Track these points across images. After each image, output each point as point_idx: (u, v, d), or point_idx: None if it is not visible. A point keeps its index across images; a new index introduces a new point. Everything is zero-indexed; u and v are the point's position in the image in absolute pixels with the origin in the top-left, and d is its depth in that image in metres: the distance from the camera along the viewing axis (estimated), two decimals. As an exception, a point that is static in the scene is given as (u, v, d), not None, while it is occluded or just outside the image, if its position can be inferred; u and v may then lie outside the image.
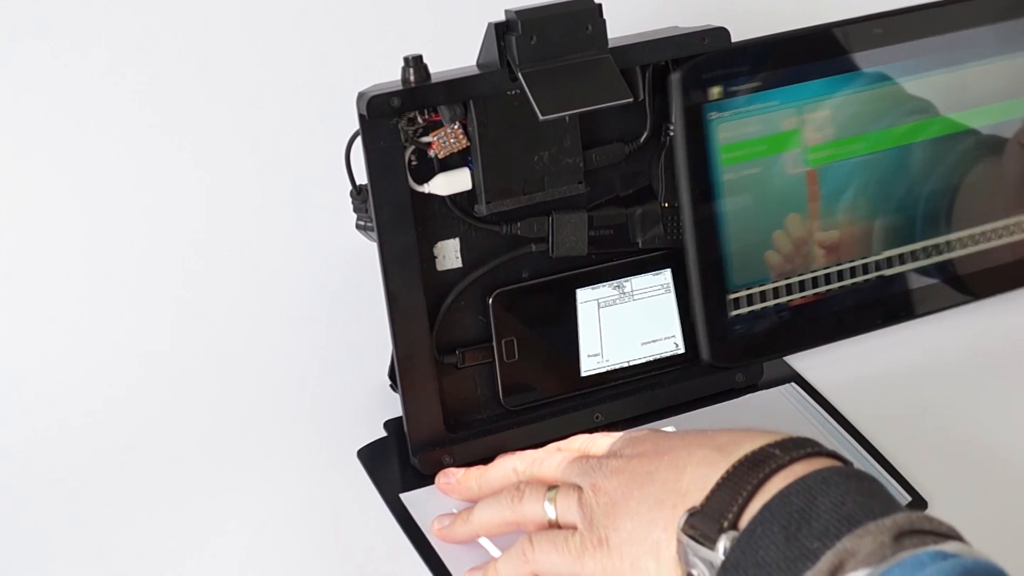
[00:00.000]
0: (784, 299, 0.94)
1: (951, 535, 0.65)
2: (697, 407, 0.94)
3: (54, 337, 0.99)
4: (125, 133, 1.06)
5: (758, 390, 0.96)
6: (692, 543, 0.69)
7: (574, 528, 0.76)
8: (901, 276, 0.97)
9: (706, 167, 0.91)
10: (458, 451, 0.89)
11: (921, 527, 0.65)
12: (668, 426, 0.91)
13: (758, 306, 0.93)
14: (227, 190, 1.06)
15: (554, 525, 0.78)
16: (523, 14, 0.84)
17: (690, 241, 0.91)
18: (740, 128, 0.91)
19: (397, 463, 0.90)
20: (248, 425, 0.94)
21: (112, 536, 0.86)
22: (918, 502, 0.86)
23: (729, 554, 0.67)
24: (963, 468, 0.89)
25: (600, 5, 0.86)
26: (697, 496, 0.71)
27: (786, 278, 0.94)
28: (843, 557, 0.64)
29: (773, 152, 0.92)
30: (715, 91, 0.90)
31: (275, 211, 1.05)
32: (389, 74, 0.85)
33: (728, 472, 0.71)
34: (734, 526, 0.68)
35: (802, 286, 0.95)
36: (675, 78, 0.89)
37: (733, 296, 0.93)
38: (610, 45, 0.86)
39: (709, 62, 0.89)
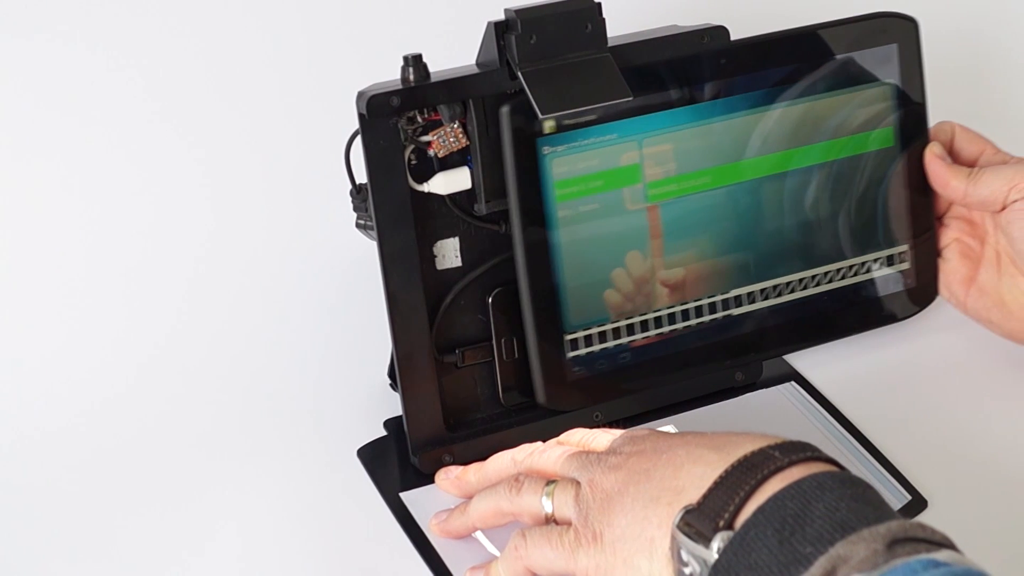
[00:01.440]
0: (625, 340, 0.90)
1: (944, 543, 0.65)
2: (696, 406, 0.94)
3: (54, 336, 1.00)
4: (126, 132, 1.06)
5: (757, 389, 0.96)
6: (686, 540, 0.69)
7: (569, 523, 0.76)
8: (750, 315, 0.93)
9: (539, 204, 0.86)
10: (458, 450, 0.89)
11: (915, 535, 0.64)
12: (668, 425, 0.91)
13: (597, 347, 0.89)
14: (227, 189, 1.06)
15: (550, 519, 0.78)
16: (523, 13, 0.84)
17: (523, 280, 0.87)
18: (576, 163, 0.87)
19: (397, 462, 0.90)
20: (248, 424, 0.94)
21: (112, 535, 0.86)
22: (918, 502, 0.86)
23: (722, 555, 0.67)
24: (963, 468, 0.89)
25: (600, 4, 0.86)
26: (693, 494, 0.71)
27: (627, 318, 0.90)
28: (836, 563, 0.64)
29: (611, 188, 0.88)
30: (548, 124, 0.86)
31: (275, 210, 1.06)
32: (389, 74, 0.85)
33: (726, 472, 0.70)
34: (729, 526, 0.68)
35: (644, 326, 0.90)
36: (505, 111, 0.85)
37: (570, 337, 0.89)
38: (610, 44, 0.87)
39: None
